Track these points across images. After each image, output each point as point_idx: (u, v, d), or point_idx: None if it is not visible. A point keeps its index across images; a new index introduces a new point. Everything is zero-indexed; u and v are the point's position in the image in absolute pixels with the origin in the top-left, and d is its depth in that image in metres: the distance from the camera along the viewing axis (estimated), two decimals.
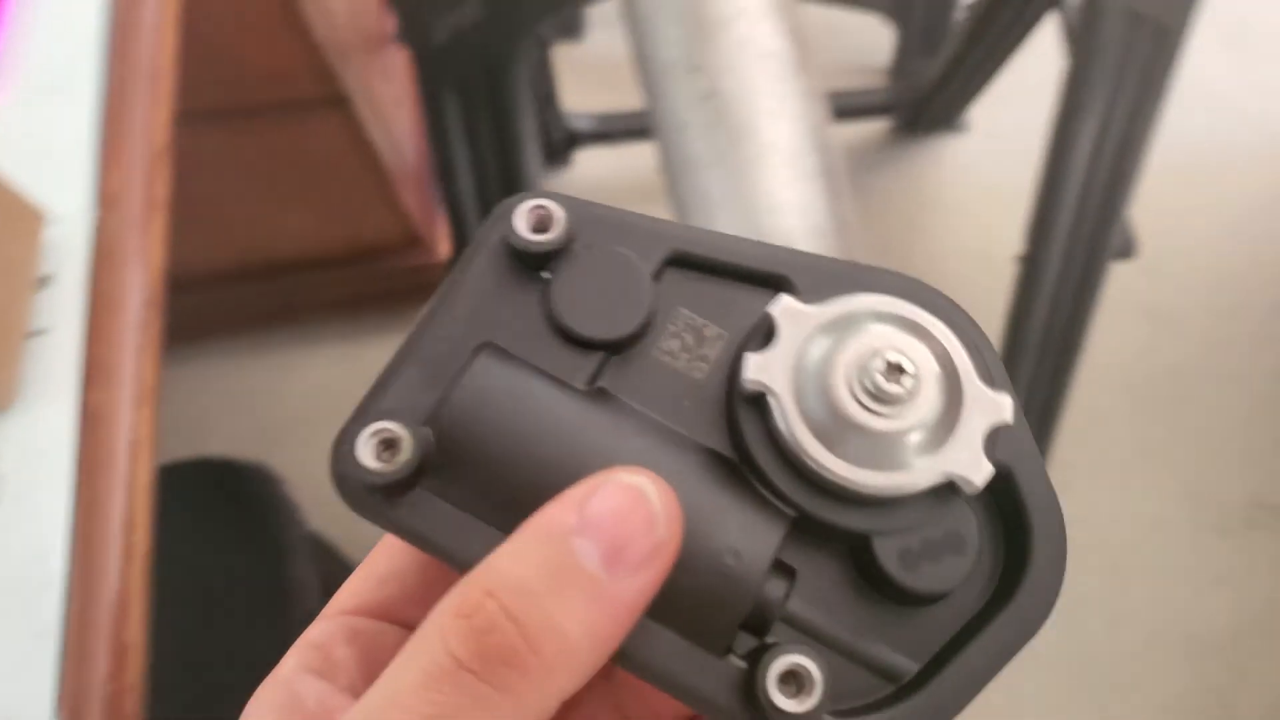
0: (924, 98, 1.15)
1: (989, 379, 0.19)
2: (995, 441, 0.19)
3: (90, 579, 0.38)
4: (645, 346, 0.20)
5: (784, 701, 0.17)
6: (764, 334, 0.19)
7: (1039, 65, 0.96)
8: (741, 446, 0.19)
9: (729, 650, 0.18)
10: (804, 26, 0.45)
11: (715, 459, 0.19)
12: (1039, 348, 0.87)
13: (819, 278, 0.20)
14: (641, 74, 0.47)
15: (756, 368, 0.19)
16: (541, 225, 0.20)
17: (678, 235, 0.21)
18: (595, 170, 1.27)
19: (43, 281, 0.40)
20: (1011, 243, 0.86)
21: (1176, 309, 1.16)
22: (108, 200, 0.42)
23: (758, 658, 0.18)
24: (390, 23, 1.06)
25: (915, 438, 0.18)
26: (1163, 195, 1.21)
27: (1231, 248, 1.19)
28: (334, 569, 0.99)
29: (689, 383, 0.20)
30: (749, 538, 0.18)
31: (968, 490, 0.18)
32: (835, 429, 0.18)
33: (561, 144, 1.20)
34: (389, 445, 0.18)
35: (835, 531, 0.19)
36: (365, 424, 0.19)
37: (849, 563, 0.19)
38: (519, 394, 0.19)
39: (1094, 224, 0.79)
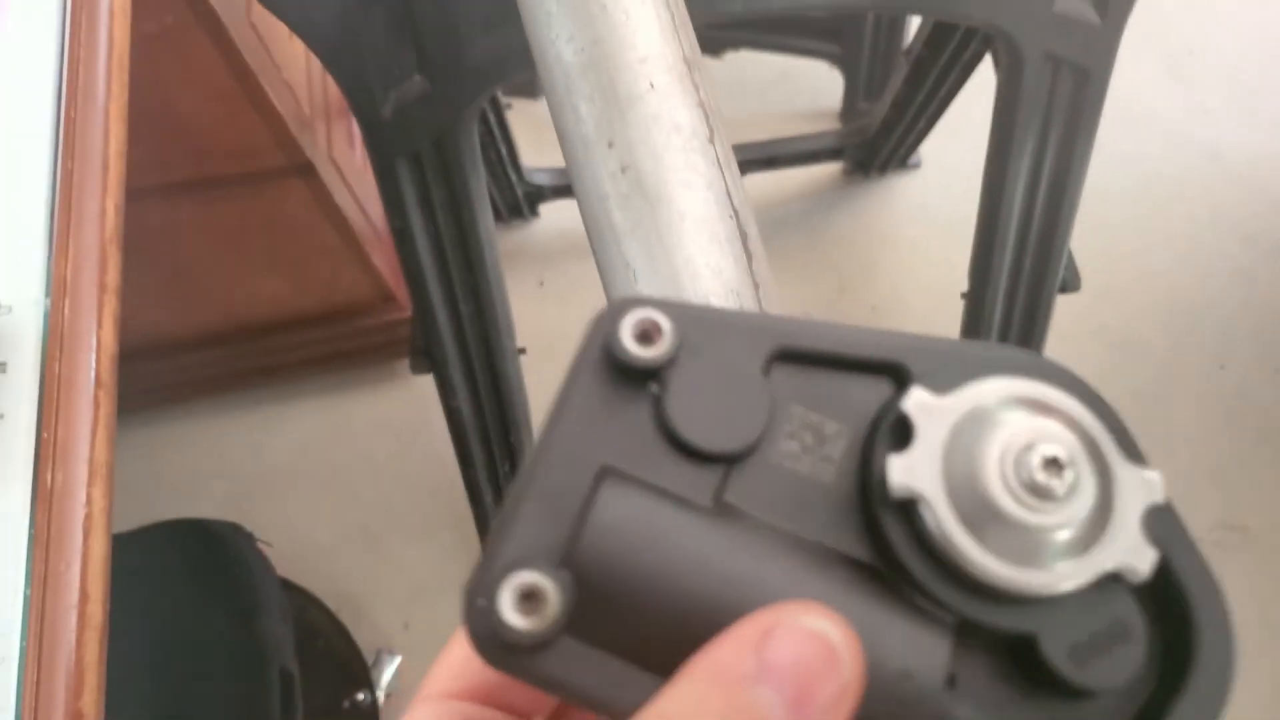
0: (874, 139, 1.19)
1: (1132, 455, 0.19)
2: (1150, 523, 0.18)
3: (46, 652, 0.40)
4: (764, 452, 0.19)
5: None
6: (896, 430, 0.19)
7: (985, 100, 1.00)
8: (888, 553, 0.18)
9: None
10: (714, 96, 0.48)
11: (861, 570, 0.18)
12: None
13: (935, 361, 0.19)
14: (563, 148, 0.50)
15: (903, 472, 0.18)
16: (646, 336, 0.19)
17: (782, 329, 0.20)
18: (560, 222, 1.30)
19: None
20: (965, 275, 0.89)
21: (1135, 333, 1.19)
22: (59, 288, 0.44)
23: None
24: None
25: (1076, 531, 0.18)
26: (1116, 221, 1.24)
27: (1185, 270, 1.22)
28: (312, 618, 1.00)
29: (816, 486, 0.19)
30: (919, 656, 0.17)
31: (1133, 580, 0.18)
32: (992, 529, 0.17)
33: (525, 199, 1.23)
34: (530, 596, 0.17)
35: (998, 634, 0.18)
36: (500, 575, 0.17)
37: (1006, 659, 0.18)
38: (654, 524, 0.18)
39: (1035, 260, 0.81)
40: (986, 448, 0.18)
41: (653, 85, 0.46)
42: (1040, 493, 0.17)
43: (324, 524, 1.15)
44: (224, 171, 0.94)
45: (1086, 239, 1.18)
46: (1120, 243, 1.22)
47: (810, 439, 0.19)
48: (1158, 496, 0.18)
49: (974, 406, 0.18)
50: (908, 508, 0.18)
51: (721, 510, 0.18)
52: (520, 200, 1.24)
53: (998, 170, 0.78)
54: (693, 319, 0.20)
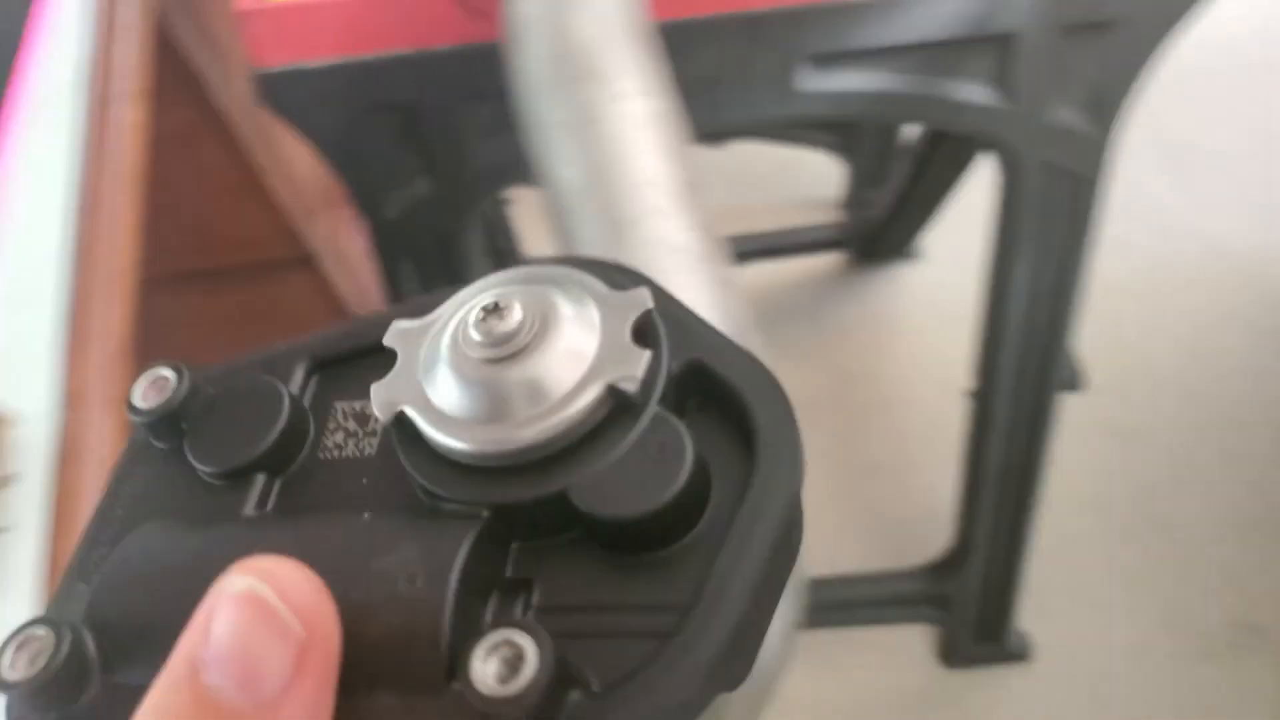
0: (875, 230, 1.20)
1: (617, 285, 0.18)
2: (653, 337, 0.18)
3: None
4: (311, 453, 0.20)
5: (492, 687, 0.15)
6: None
7: (986, 191, 1.01)
8: (413, 478, 0.18)
9: (451, 679, 0.16)
10: (711, 219, 0.48)
11: (395, 511, 0.18)
12: (999, 480, 0.88)
13: (424, 304, 0.20)
14: None
15: (381, 394, 0.18)
16: (157, 391, 0.20)
17: (303, 346, 0.21)
18: None
19: (6, 481, 0.42)
20: (968, 367, 0.88)
21: (1143, 428, 1.18)
22: (72, 400, 0.44)
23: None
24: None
25: (555, 365, 0.17)
26: (1118, 315, 1.24)
27: (1191, 364, 1.22)
28: None
29: (364, 461, 0.19)
30: (428, 556, 0.16)
31: (633, 389, 0.17)
32: (475, 402, 0.17)
33: None
34: (32, 650, 0.17)
35: (535, 509, 0.17)
36: (10, 637, 0.17)
37: (588, 545, 0.17)
38: (162, 548, 0.18)
39: (1038, 361, 0.81)
40: (442, 335, 0.18)
41: (653, 209, 0.46)
42: (492, 340, 0.17)
43: None
44: (227, 262, 0.95)
45: (1091, 331, 1.18)
46: (1126, 336, 1.22)
47: (354, 424, 0.20)
48: (642, 305, 0.18)
49: (437, 313, 0.19)
50: (405, 428, 0.18)
51: (263, 518, 0.19)
52: None
53: (1001, 272, 0.78)
54: (213, 371, 0.21)
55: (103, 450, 0.44)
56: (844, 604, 1.00)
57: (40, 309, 0.46)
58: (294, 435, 0.19)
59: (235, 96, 0.82)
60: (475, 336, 0.17)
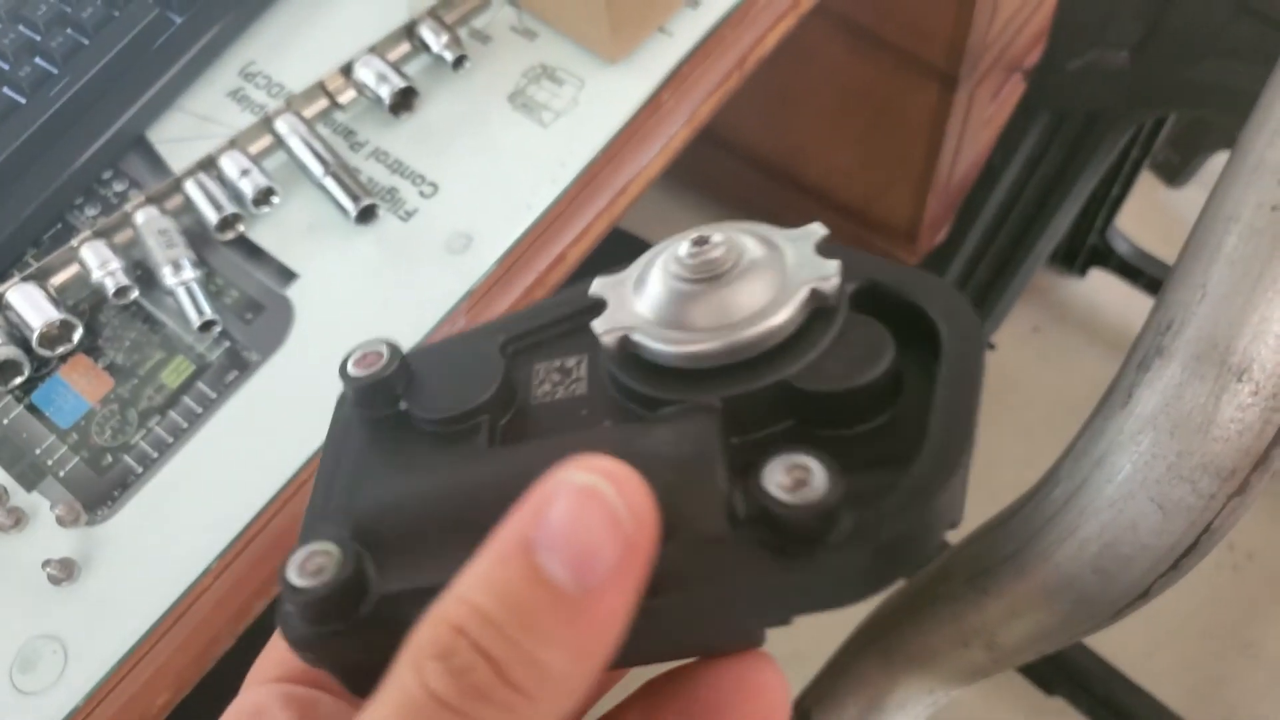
0: None
1: (790, 228, 0.21)
2: (835, 257, 0.20)
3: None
4: (523, 403, 0.22)
5: (787, 495, 0.16)
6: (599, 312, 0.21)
7: None
8: (637, 394, 0.20)
9: (733, 524, 0.17)
10: None
11: (629, 420, 0.20)
12: None
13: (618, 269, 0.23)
14: (1234, 151, 0.48)
15: (603, 323, 0.20)
16: (368, 362, 0.22)
17: (503, 325, 0.23)
18: (1096, 294, 1.23)
19: (692, 2, 0.51)
20: None
21: None
22: (742, 7, 0.52)
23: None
24: (1028, 58, 1.10)
25: (755, 279, 0.20)
26: None
27: None
28: None
29: (575, 399, 0.21)
30: (683, 430, 0.18)
31: (830, 288, 0.19)
32: (689, 314, 0.20)
33: (1086, 252, 1.18)
34: (317, 564, 0.18)
35: (760, 397, 0.19)
36: (288, 557, 0.18)
37: (801, 430, 0.19)
38: (414, 478, 0.20)
39: None
40: (656, 270, 0.21)
41: None
42: (703, 269, 0.20)
43: None
44: (891, 38, 0.99)
45: None
46: None
47: (559, 375, 0.22)
48: (819, 233, 0.20)
49: (644, 262, 0.21)
50: (627, 351, 0.20)
51: (503, 447, 0.21)
52: (1080, 250, 1.20)
53: None
54: (421, 349, 0.23)
55: (757, 34, 0.51)
56: None
57: None
58: (512, 382, 0.22)
59: None
60: (689, 261, 0.20)
